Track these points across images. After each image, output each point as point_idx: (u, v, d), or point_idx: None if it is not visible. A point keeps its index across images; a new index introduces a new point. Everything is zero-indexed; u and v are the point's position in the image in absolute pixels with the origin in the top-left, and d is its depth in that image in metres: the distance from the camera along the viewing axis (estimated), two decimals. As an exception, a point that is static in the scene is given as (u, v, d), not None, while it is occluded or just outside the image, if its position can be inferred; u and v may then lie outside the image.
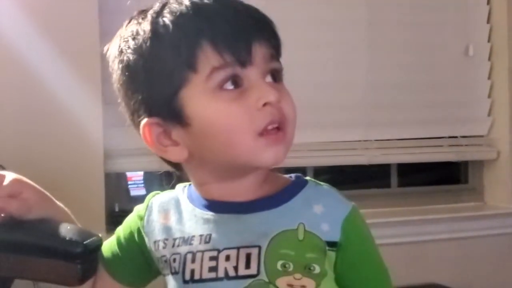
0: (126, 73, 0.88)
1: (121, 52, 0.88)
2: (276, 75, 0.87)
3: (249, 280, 0.82)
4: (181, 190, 0.94)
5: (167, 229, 0.90)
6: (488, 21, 2.52)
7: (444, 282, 2.33)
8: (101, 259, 0.95)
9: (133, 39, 0.86)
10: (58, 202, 0.94)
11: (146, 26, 0.85)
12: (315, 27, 2.29)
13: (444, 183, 2.71)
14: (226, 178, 0.88)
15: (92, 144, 2.00)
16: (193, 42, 0.81)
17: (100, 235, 0.78)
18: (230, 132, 0.82)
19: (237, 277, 0.83)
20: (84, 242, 0.74)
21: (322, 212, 0.85)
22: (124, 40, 0.88)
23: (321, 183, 0.91)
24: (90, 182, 1.99)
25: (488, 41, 2.52)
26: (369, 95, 2.38)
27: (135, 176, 2.31)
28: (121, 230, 0.97)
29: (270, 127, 0.82)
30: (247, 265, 0.82)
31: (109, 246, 0.96)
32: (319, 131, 2.28)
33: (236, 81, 0.82)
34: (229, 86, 0.82)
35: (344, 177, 2.45)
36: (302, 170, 2.26)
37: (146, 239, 0.92)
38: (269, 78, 0.85)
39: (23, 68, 1.90)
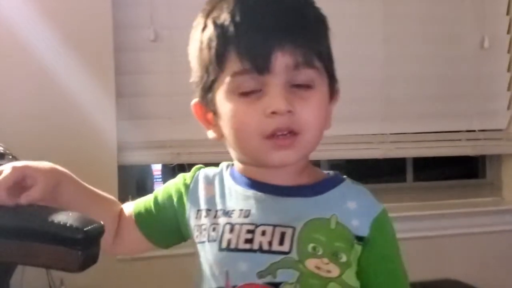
0: (189, 57, 0.99)
1: (191, 36, 0.98)
2: (304, 82, 0.90)
3: (281, 256, 0.88)
4: (225, 168, 1.03)
5: (210, 201, 0.97)
6: (507, 13, 2.48)
7: (460, 278, 2.31)
8: (133, 211, 1.03)
9: (196, 28, 0.96)
10: (61, 168, 0.97)
11: (202, 18, 0.95)
12: (330, 21, 2.26)
13: (461, 177, 2.69)
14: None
15: (106, 137, 2.02)
16: (223, 45, 0.89)
17: (101, 222, 0.78)
18: (240, 131, 0.90)
19: (270, 251, 0.88)
20: (85, 229, 0.73)
21: (354, 208, 0.93)
22: (194, 26, 0.98)
23: (357, 182, 0.99)
24: (103, 174, 2.00)
25: (508, 33, 2.48)
26: (385, 88, 2.37)
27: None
28: (160, 192, 1.04)
29: (279, 133, 0.88)
30: (281, 242, 0.89)
31: (143, 202, 1.04)
32: (334, 125, 2.24)
33: (253, 86, 0.88)
34: (246, 90, 0.89)
35: (359, 171, 2.43)
36: (317, 163, 2.25)
37: (187, 206, 0.99)
38: (292, 86, 0.89)
39: (37, 62, 1.92)
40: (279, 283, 0.87)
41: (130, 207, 1.06)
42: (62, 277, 1.96)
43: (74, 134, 1.98)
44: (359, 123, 2.32)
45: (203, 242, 0.95)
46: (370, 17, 2.35)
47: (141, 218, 1.03)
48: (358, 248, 0.91)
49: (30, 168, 0.89)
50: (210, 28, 0.91)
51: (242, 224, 0.92)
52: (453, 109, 2.44)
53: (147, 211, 1.03)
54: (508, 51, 2.48)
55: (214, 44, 0.90)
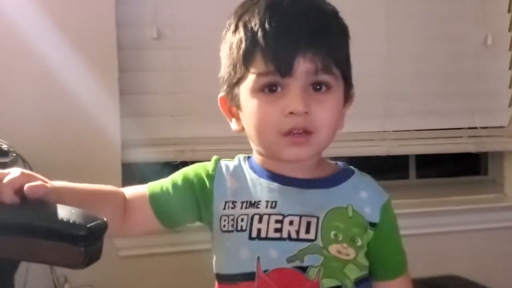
0: (220, 53, 1.07)
1: (223, 35, 1.06)
2: (321, 86, 0.99)
3: (307, 243, 0.98)
4: (243, 161, 1.09)
5: (235, 192, 1.04)
6: (509, 10, 2.48)
7: (463, 274, 2.31)
8: (147, 191, 1.07)
9: (228, 29, 1.04)
10: (61, 183, 0.94)
11: (234, 19, 1.02)
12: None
13: (463, 174, 2.69)
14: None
15: (109, 135, 2.02)
16: (251, 47, 0.97)
17: (105, 219, 0.78)
18: (260, 127, 0.99)
19: (298, 239, 0.98)
20: (88, 225, 0.74)
21: (366, 197, 1.03)
22: (227, 25, 1.05)
23: (364, 173, 1.09)
24: (107, 171, 2.01)
25: (509, 30, 2.49)
26: (387, 85, 2.37)
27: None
28: (180, 177, 1.08)
29: (295, 132, 0.97)
30: (307, 231, 0.98)
31: (160, 184, 1.08)
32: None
33: (275, 87, 0.97)
34: (269, 90, 0.98)
35: (362, 168, 2.44)
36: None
37: (214, 197, 1.04)
38: (310, 89, 0.98)
39: (40, 60, 1.92)
40: (306, 267, 0.97)
41: (140, 189, 1.08)
42: (66, 274, 1.97)
43: (78, 132, 1.98)
44: (362, 121, 2.31)
45: (231, 231, 1.01)
46: (373, 15, 2.36)
47: (156, 198, 1.06)
48: (370, 232, 1.02)
49: (37, 178, 0.88)
50: (241, 31, 0.99)
51: (270, 214, 1.00)
52: (455, 106, 2.45)
53: (163, 192, 1.07)
54: (510, 49, 2.49)
55: (243, 46, 0.99)
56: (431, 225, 2.35)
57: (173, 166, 2.12)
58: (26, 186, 0.82)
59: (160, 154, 2.15)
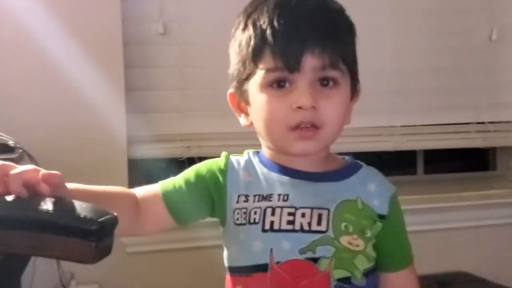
0: (229, 50, 1.10)
1: (233, 33, 1.08)
2: (328, 81, 1.01)
3: (319, 235, 1.00)
4: (252, 155, 1.12)
5: (247, 186, 1.06)
6: (516, 5, 2.46)
7: (471, 270, 2.31)
8: (160, 189, 1.07)
9: (237, 27, 1.07)
10: (73, 185, 0.93)
11: (243, 18, 1.05)
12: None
13: (472, 170, 2.68)
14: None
15: (115, 131, 2.02)
16: (260, 44, 1.00)
17: (115, 214, 0.77)
18: (268, 121, 1.02)
19: (310, 231, 1.01)
20: (99, 220, 0.73)
21: (374, 190, 1.06)
22: (236, 24, 1.08)
23: (370, 167, 1.12)
24: (113, 168, 2.01)
25: (517, 25, 2.47)
26: (394, 81, 2.36)
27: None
28: (192, 174, 1.10)
29: (302, 126, 0.99)
30: (319, 223, 1.01)
31: (172, 182, 1.09)
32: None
33: (283, 82, 1.00)
34: (277, 85, 1.00)
35: (369, 164, 2.42)
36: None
37: (228, 191, 1.07)
38: (318, 84, 1.00)
39: (45, 56, 1.92)
40: (318, 258, 1.00)
41: (151, 188, 1.09)
42: (73, 270, 1.97)
43: (84, 128, 1.98)
44: (369, 116, 2.31)
45: (243, 224, 1.04)
46: (379, 11, 2.35)
47: (170, 195, 1.07)
48: (379, 224, 1.05)
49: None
50: (250, 29, 1.02)
51: (282, 207, 1.02)
52: (463, 101, 2.43)
53: (176, 189, 1.08)
54: (517, 43, 2.47)
55: (252, 43, 1.01)
56: (439, 221, 2.34)
57: (179, 162, 2.12)
58: (41, 172, 0.81)
59: (166, 150, 2.14)
